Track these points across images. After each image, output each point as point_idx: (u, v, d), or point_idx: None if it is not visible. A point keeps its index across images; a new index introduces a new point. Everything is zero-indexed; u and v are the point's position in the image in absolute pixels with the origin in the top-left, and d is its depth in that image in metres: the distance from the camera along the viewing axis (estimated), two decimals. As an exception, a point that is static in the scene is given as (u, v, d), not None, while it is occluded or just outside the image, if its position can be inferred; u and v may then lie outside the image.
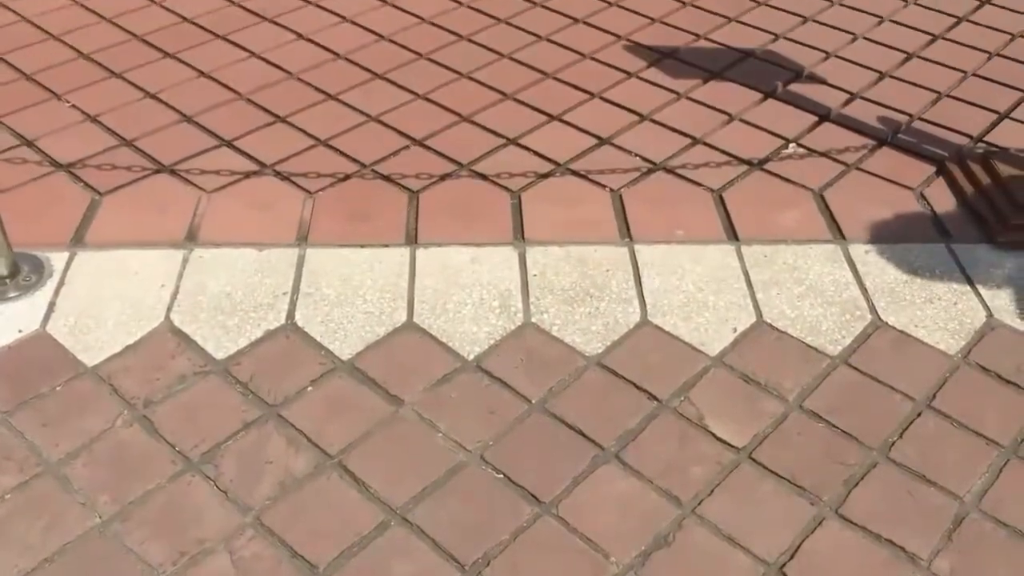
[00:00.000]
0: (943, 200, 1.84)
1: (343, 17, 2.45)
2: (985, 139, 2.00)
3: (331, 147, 1.96)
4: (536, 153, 1.97)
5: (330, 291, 1.59)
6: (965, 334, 1.54)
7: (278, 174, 1.88)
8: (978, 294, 1.62)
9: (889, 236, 1.74)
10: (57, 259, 1.63)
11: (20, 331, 1.49)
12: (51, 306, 1.54)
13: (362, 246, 1.70)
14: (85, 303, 1.55)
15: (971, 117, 2.08)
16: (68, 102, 2.05)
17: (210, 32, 2.35)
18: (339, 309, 1.55)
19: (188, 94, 2.10)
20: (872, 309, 1.59)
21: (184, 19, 2.40)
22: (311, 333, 1.51)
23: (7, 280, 1.55)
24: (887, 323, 1.56)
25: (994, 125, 2.05)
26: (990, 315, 1.58)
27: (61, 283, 1.58)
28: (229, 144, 1.95)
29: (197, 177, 1.85)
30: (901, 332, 1.54)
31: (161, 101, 2.07)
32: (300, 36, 2.35)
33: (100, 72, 2.17)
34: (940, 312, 1.59)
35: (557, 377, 1.45)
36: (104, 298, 1.56)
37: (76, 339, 1.48)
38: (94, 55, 2.22)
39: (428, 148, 1.97)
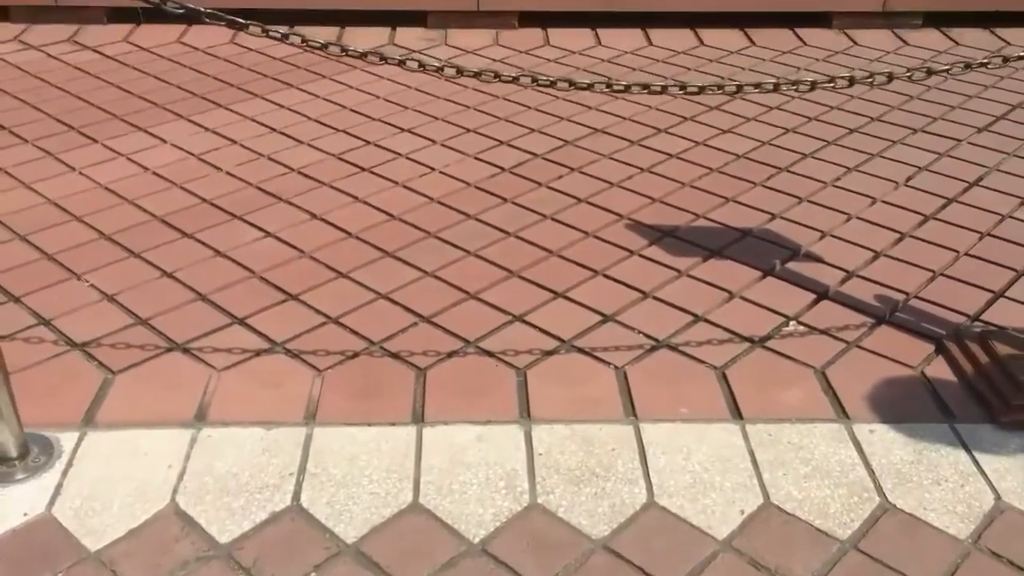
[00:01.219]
0: (944, 379, 1.86)
1: (355, 197, 2.55)
2: (982, 318, 2.04)
3: (341, 324, 2.01)
4: (541, 330, 2.01)
5: (336, 471, 1.59)
6: (974, 517, 1.53)
7: (288, 352, 1.91)
8: (985, 476, 1.62)
9: (892, 416, 1.75)
10: (67, 439, 1.64)
11: (25, 514, 1.49)
12: (58, 488, 1.54)
13: (369, 424, 1.71)
14: (92, 485, 1.55)
15: (967, 296, 2.12)
16: (87, 282, 2.11)
17: (227, 213, 2.44)
18: (345, 490, 1.55)
19: (204, 273, 2.17)
20: (879, 491, 1.58)
21: (203, 200, 2.50)
22: (316, 515, 1.50)
23: (16, 462, 1.56)
24: (895, 505, 1.55)
25: (990, 304, 2.10)
26: (998, 498, 1.57)
27: (69, 464, 1.59)
28: (241, 322, 2.00)
29: (209, 355, 1.88)
30: (910, 515, 1.53)
31: (177, 280, 2.14)
32: (314, 216, 2.44)
33: (120, 252, 2.24)
34: (948, 494, 1.58)
35: (563, 562, 1.44)
36: (111, 479, 1.56)
37: (81, 523, 1.48)
38: (115, 235, 2.31)
39: (436, 325, 2.02)
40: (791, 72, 3.46)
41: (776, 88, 1.46)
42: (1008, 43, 3.74)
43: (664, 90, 1.44)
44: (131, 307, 2.03)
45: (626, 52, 3.64)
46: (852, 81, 1.40)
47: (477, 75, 1.50)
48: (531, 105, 3.16)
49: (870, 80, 1.37)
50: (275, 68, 3.37)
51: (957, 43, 3.74)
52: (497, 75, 1.51)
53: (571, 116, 3.08)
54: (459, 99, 3.20)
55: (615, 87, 1.54)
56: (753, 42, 3.74)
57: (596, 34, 3.81)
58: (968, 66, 1.36)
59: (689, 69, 3.49)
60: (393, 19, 3.83)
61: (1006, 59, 1.36)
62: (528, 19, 3.86)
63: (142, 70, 3.30)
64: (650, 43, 3.73)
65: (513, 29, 3.83)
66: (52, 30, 3.57)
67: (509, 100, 3.20)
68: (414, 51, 3.59)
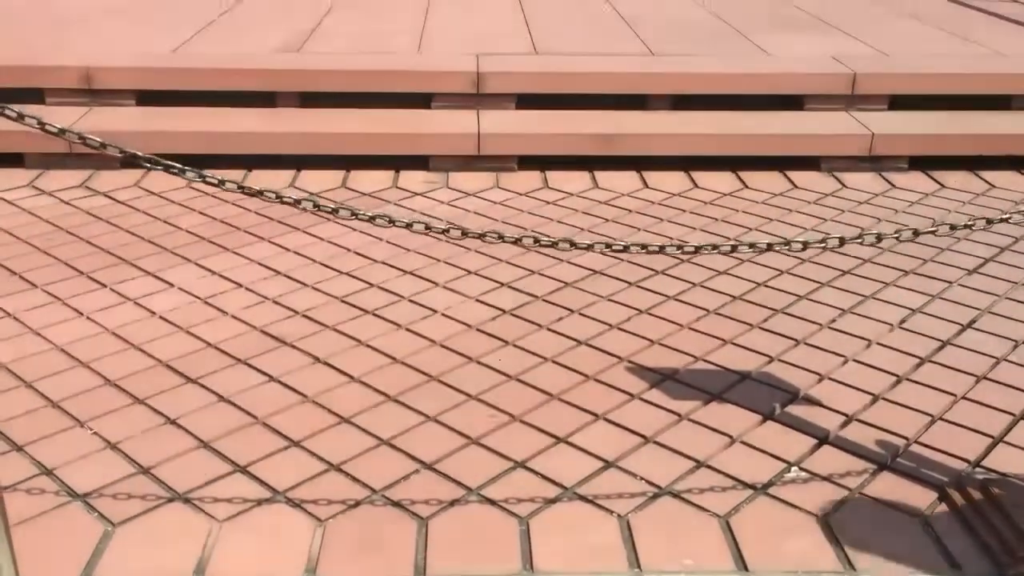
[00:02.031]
0: (948, 527, 1.85)
1: (358, 340, 2.58)
2: (983, 464, 2.05)
3: (343, 471, 2.01)
4: (543, 476, 2.01)
5: (336, 629, 1.57)
6: (987, 676, 1.50)
7: (289, 501, 1.90)
8: (995, 631, 1.59)
9: (899, 567, 1.74)
10: (64, 595, 1.62)
11: (18, 677, 1.46)
12: (53, 648, 1.51)
13: (370, 578, 1.69)
14: (88, 644, 1.52)
15: (967, 441, 2.13)
16: (91, 429, 2.12)
17: (232, 357, 2.47)
18: (345, 649, 1.53)
19: (207, 419, 2.18)
20: (889, 648, 1.55)
21: (208, 344, 2.53)
22: (315, 677, 1.47)
23: (12, 620, 1.54)
24: (906, 663, 1.52)
25: (990, 449, 2.10)
26: (1011, 654, 1.54)
27: (66, 622, 1.57)
28: (243, 470, 2.00)
29: (210, 506, 1.88)
30: (922, 674, 1.50)
31: (180, 427, 2.15)
32: (317, 360, 2.47)
33: (124, 399, 2.26)
34: (959, 651, 1.55)
35: None
36: (107, 638, 1.53)
37: None
38: (120, 381, 2.33)
39: (438, 472, 2.01)
40: (785, 213, 3.55)
41: (769, 248, 1.51)
42: (992, 185, 3.86)
43: (662, 250, 1.49)
44: (133, 455, 2.03)
45: (623, 194, 3.75)
46: (843, 241, 1.46)
47: (481, 236, 1.55)
48: (531, 247, 3.23)
49: (859, 240, 1.42)
50: (281, 212, 3.46)
51: (943, 186, 3.86)
52: (500, 236, 1.56)
53: (570, 259, 3.15)
54: (461, 241, 3.28)
55: (615, 247, 1.60)
56: (746, 184, 3.86)
57: (593, 176, 3.92)
58: (953, 227, 1.41)
59: (685, 211, 3.58)
60: (396, 162, 3.96)
61: (989, 221, 1.42)
62: (527, 162, 3.98)
63: (152, 215, 3.39)
64: (646, 185, 3.85)
65: (513, 172, 3.95)
66: (66, 175, 3.69)
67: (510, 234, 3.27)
68: (417, 194, 3.70)
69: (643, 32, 4.92)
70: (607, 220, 3.49)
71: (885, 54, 4.52)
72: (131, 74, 4.00)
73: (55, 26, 4.72)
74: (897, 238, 1.40)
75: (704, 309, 2.80)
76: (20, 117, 1.61)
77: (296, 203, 1.44)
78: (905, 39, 4.86)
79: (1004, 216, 1.42)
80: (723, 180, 3.90)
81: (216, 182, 1.63)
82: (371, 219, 1.48)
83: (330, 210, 1.53)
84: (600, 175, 3.93)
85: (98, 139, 1.74)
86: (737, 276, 3.02)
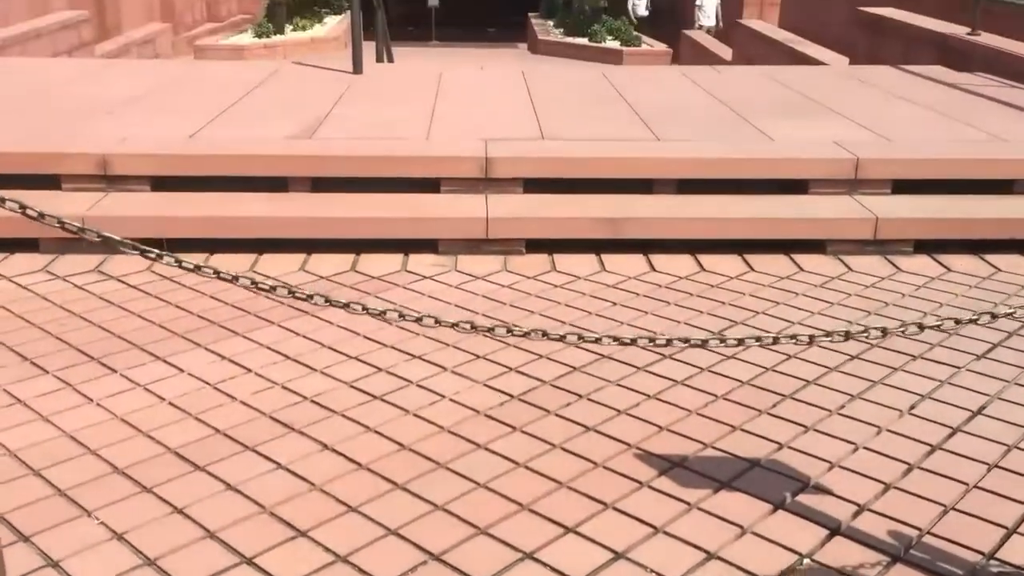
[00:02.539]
0: (965, 623, 1.82)
1: (366, 427, 2.58)
2: (997, 556, 2.02)
3: (350, 563, 1.99)
4: (552, 568, 1.98)
5: None
6: None
7: (296, 594, 1.89)
8: None
9: (915, 664, 1.71)
10: None
11: None
12: None
13: (377, 676, 1.66)
14: None
15: (980, 532, 2.11)
16: (97, 519, 2.11)
17: (240, 444, 2.47)
18: None
19: (214, 508, 2.17)
20: None
21: (217, 430, 2.54)
22: None
23: None
24: None
25: (1004, 541, 2.08)
26: None
27: None
28: (249, 561, 1.98)
29: (216, 599, 1.86)
30: None
31: (188, 516, 2.14)
32: (325, 447, 2.47)
33: (132, 487, 2.25)
34: None
35: None
36: None
37: None
38: (128, 469, 2.33)
39: (445, 563, 2.00)
40: (786, 298, 3.57)
41: (775, 341, 1.52)
42: (998, 269, 3.87)
43: (669, 343, 1.50)
44: (140, 546, 2.02)
45: (630, 277, 3.77)
46: (848, 336, 1.47)
47: (490, 331, 1.57)
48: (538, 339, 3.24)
49: (865, 334, 1.44)
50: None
51: (949, 269, 3.88)
52: (509, 330, 1.58)
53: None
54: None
55: (622, 340, 1.61)
56: (752, 268, 3.88)
57: (600, 260, 3.96)
58: (958, 322, 1.43)
59: (692, 295, 3.60)
60: (405, 246, 4.00)
61: (994, 315, 1.43)
62: (535, 246, 4.03)
63: (164, 299, 3.43)
64: (653, 268, 3.87)
65: (521, 255, 3.99)
66: (79, 260, 3.73)
67: (518, 326, 3.29)
68: (426, 277, 3.73)
69: (648, 117, 5.01)
70: (614, 304, 3.51)
71: (886, 139, 4.59)
72: (147, 161, 4.08)
73: (75, 114, 4.83)
74: (903, 332, 1.41)
75: (712, 395, 2.80)
76: (1, 201, 1.63)
77: (308, 298, 1.46)
78: (904, 123, 4.94)
79: (1009, 311, 1.44)
80: (729, 263, 3.92)
81: (191, 267, 1.66)
82: (381, 313, 1.50)
83: (342, 305, 1.55)
84: (607, 258, 3.97)
85: (76, 224, 1.78)
86: (743, 360, 3.02)
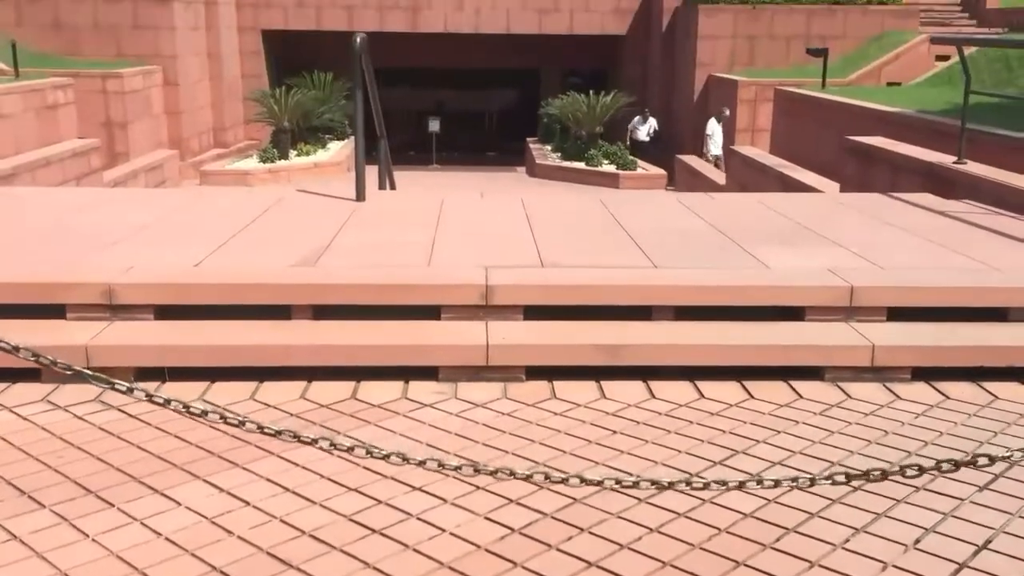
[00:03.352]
0: None
1: (365, 563, 2.55)
2: None
3: None
4: None
5: None
6: None
7: None
8: None
9: None
10: None
11: None
12: None
13: None
14: None
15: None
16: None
17: (237, 582, 2.43)
18: None
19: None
20: None
21: (212, 567, 2.50)
22: None
23: None
24: None
25: None
26: None
27: None
28: None
29: None
30: None
31: (182, 660, 2.09)
32: (323, 584, 2.43)
33: (126, 628, 2.21)
34: None
35: None
36: None
37: None
38: (123, 609, 2.29)
39: None
40: (790, 426, 3.57)
41: (777, 484, 1.53)
42: (996, 397, 3.89)
43: (671, 486, 1.51)
44: None
45: (630, 405, 3.78)
46: (849, 478, 1.48)
47: (494, 474, 1.58)
48: (540, 460, 3.24)
49: (864, 476, 1.45)
50: (290, 424, 3.49)
51: (947, 397, 3.89)
52: (512, 472, 1.59)
53: (580, 471, 3.14)
54: (469, 454, 3.28)
55: (624, 483, 1.62)
56: (751, 395, 3.89)
57: (600, 386, 3.97)
58: (957, 465, 1.44)
59: (692, 423, 3.60)
60: (406, 373, 4.02)
61: (992, 458, 1.44)
62: (535, 373, 4.05)
63: (164, 429, 3.42)
64: (652, 396, 3.88)
65: (521, 382, 4.00)
66: (80, 390, 3.74)
67: (519, 456, 3.28)
68: (427, 405, 3.74)
69: (645, 244, 5.11)
70: (615, 432, 3.51)
71: (879, 266, 4.67)
72: (151, 290, 4.14)
73: (82, 243, 4.92)
74: (902, 473, 1.42)
75: (715, 527, 2.77)
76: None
77: (313, 442, 1.47)
78: (896, 250, 5.03)
79: (1007, 454, 1.45)
80: (728, 390, 3.94)
81: (161, 401, 1.68)
82: (385, 457, 1.51)
83: (346, 448, 1.56)
84: (607, 385, 3.98)
85: (49, 357, 1.81)
86: (748, 493, 2.99)
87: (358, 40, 6.30)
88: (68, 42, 18.13)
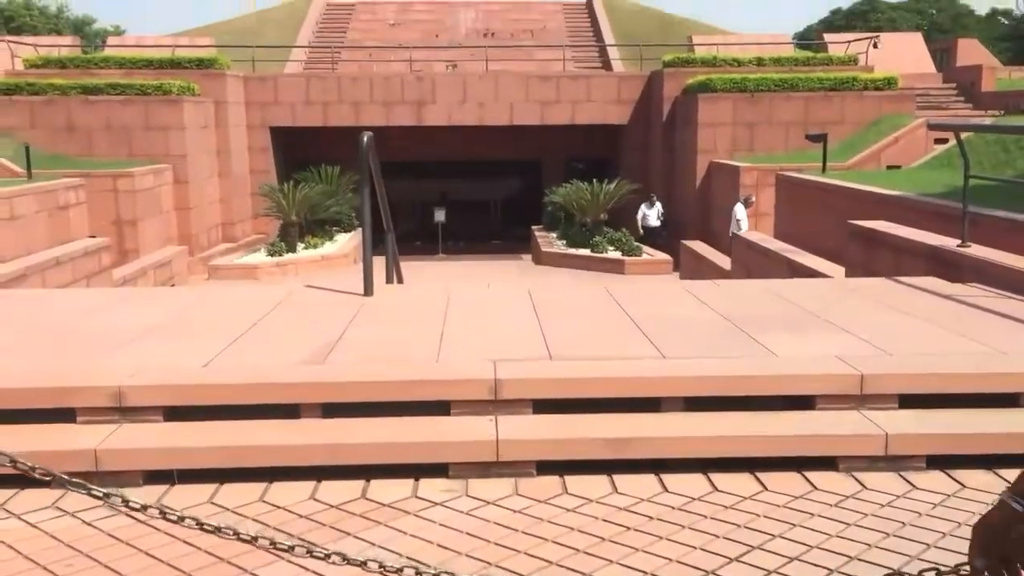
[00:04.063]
0: None
1: (377, 673, 2.49)
2: None
3: None
4: None
5: None
6: None
7: None
8: None
9: None
10: None
11: None
12: None
13: None
14: None
15: None
16: None
17: None
18: None
19: None
20: None
21: None
22: None
23: None
24: None
25: None
26: None
27: None
28: None
29: None
30: None
31: None
32: None
33: None
34: None
35: None
36: None
37: None
38: None
39: None
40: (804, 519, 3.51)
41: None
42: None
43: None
44: None
45: (642, 499, 3.74)
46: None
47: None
48: (554, 559, 3.18)
49: None
50: (300, 526, 3.46)
51: (963, 486, 3.84)
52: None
53: (595, 570, 3.10)
54: (481, 555, 3.24)
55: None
56: (765, 487, 3.85)
57: (612, 481, 3.93)
58: None
59: (705, 517, 3.56)
60: (416, 471, 3.99)
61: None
62: (546, 468, 4.01)
63: (172, 534, 3.38)
64: (665, 489, 3.84)
65: (532, 478, 3.97)
66: (86, 497, 3.71)
67: (532, 555, 3.24)
68: (437, 503, 3.70)
69: (652, 333, 5.12)
70: (628, 528, 3.46)
71: (888, 352, 4.66)
72: (160, 391, 4.15)
73: (92, 345, 4.95)
74: (922, 581, 1.40)
75: (734, 629, 2.71)
76: None
77: (326, 557, 1.46)
78: (904, 336, 5.03)
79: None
80: (742, 482, 3.89)
81: (139, 506, 1.66)
82: (399, 571, 1.50)
83: (359, 563, 1.55)
84: (619, 479, 3.94)
85: (28, 463, 1.80)
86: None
87: (365, 139, 6.43)
88: (81, 143, 18.53)
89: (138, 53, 23.89)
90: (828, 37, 32.25)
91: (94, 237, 12.35)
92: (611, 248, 19.47)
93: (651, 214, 20.87)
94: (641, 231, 20.60)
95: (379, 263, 7.09)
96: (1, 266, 9.41)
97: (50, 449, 3.79)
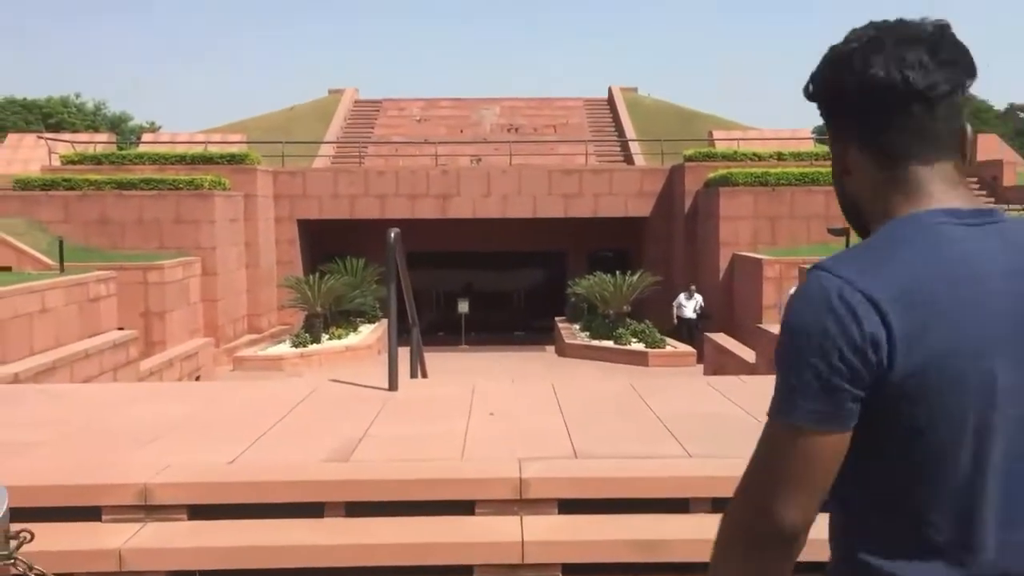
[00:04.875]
0: None
1: None
2: None
3: None
4: None
5: None
6: None
7: None
8: None
9: None
10: None
11: None
12: None
13: None
14: None
15: None
16: None
17: None
18: None
19: None
20: None
21: None
22: None
23: None
24: None
25: None
26: None
27: None
28: None
29: None
30: None
31: None
32: None
33: None
34: None
35: None
36: None
37: None
38: None
39: None
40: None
41: None
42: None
43: None
44: None
45: (671, 604, 3.66)
46: None
47: None
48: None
49: None
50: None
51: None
52: None
53: None
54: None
55: None
56: (797, 592, 3.76)
57: (639, 584, 3.86)
58: None
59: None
60: (440, 573, 3.94)
61: None
62: (572, 570, 3.95)
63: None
64: (694, 594, 3.76)
65: (557, 580, 3.91)
66: (112, 594, 3.70)
67: (557, 665, 3.17)
68: (461, 608, 3.64)
69: (678, 431, 5.08)
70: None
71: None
72: (185, 489, 4.15)
73: (118, 441, 4.98)
74: None
75: None
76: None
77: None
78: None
79: None
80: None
81: None
82: None
83: None
84: (645, 582, 3.87)
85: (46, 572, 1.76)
86: None
87: (392, 236, 6.54)
88: (114, 236, 18.91)
89: (171, 149, 24.56)
90: (847, 131, 32.54)
91: (122, 329, 12.49)
92: (634, 340, 19.41)
93: (688, 305, 20.14)
94: (675, 321, 20.15)
95: (403, 354, 7.12)
96: (32, 359, 9.53)
97: (75, 549, 3.78)
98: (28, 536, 1.78)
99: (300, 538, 3.98)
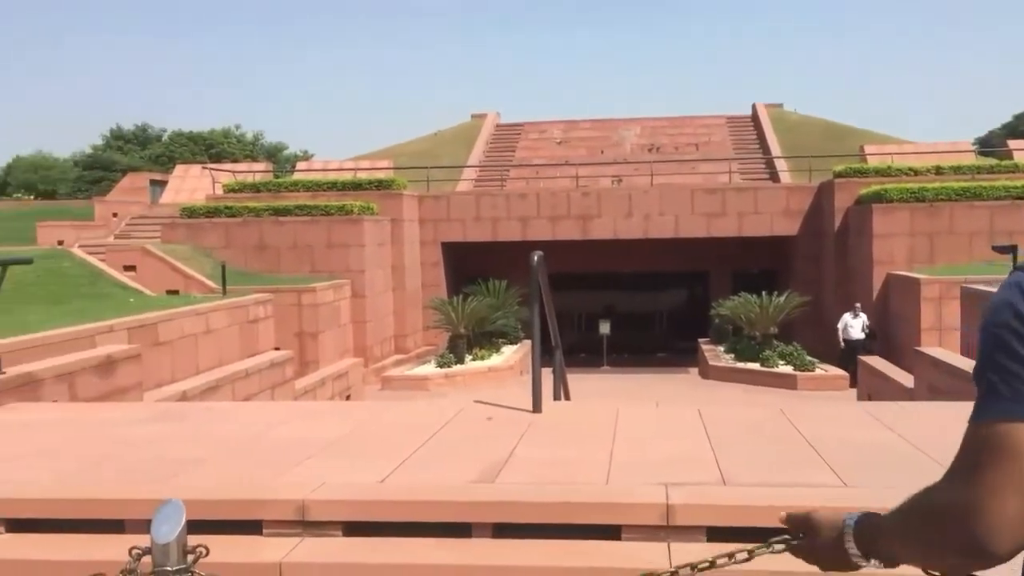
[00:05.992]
0: None
1: None
2: None
3: None
4: None
5: None
6: None
7: None
8: None
9: None
10: None
11: None
12: None
13: None
14: None
15: None
16: None
17: None
18: None
19: None
20: None
21: None
22: None
23: None
24: None
25: None
26: None
27: None
28: None
29: None
30: None
31: None
32: None
33: None
34: None
35: None
36: None
37: None
38: None
39: None
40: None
41: None
42: None
43: None
44: None
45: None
46: None
47: None
48: None
49: None
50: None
51: None
52: None
53: None
54: None
55: None
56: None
57: (792, 618, 3.73)
58: None
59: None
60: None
61: None
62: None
63: (348, 652, 3.45)
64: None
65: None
66: (272, 606, 3.86)
67: None
68: (608, 635, 3.61)
69: (832, 460, 4.89)
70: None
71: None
72: (341, 506, 4.29)
73: (277, 458, 5.20)
74: None
75: None
76: None
77: None
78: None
79: None
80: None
81: None
82: None
83: None
84: (800, 617, 3.73)
85: None
86: None
87: (535, 259, 6.60)
88: (269, 261, 19.86)
89: (323, 176, 25.61)
90: (1012, 144, 30.82)
91: (279, 349, 13.08)
92: (782, 363, 18.85)
93: (855, 324, 18.81)
94: (842, 344, 18.88)
95: (545, 375, 7.16)
96: (198, 377, 10.10)
97: (237, 561, 3.96)
98: (204, 551, 1.88)
99: (448, 558, 4.04)
